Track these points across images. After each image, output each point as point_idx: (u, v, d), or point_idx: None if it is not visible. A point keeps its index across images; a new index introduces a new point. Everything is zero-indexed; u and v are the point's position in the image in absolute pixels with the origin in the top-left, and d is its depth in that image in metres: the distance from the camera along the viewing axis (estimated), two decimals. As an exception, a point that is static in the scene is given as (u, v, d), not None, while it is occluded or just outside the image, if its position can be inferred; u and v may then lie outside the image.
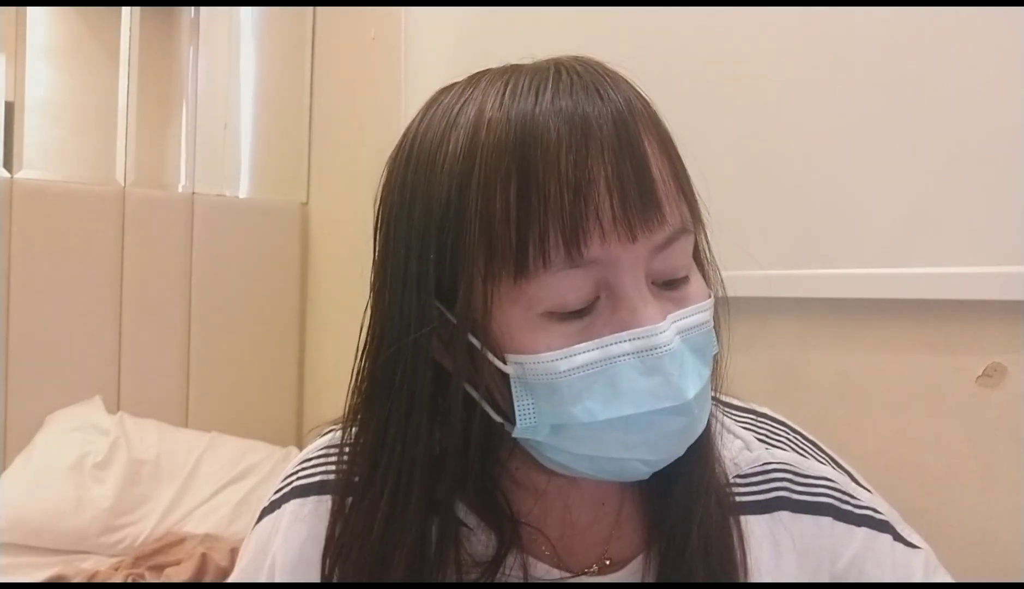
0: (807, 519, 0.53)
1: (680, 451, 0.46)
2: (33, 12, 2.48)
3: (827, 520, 0.52)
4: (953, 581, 0.55)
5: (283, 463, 2.02)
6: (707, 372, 0.46)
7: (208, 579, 1.58)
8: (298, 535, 0.54)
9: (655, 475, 0.48)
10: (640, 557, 0.52)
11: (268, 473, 1.98)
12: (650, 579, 0.51)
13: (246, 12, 2.50)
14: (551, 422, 0.45)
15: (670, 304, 0.45)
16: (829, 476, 0.55)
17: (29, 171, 2.10)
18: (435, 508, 0.48)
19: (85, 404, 1.98)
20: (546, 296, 0.43)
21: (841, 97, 0.86)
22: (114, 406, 2.05)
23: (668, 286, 0.46)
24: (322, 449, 0.57)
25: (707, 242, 0.52)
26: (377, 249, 0.50)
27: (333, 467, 0.54)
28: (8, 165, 2.09)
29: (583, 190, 0.41)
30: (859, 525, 0.52)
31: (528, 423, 0.45)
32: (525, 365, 0.44)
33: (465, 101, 0.46)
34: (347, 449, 0.53)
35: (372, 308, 0.50)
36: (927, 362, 0.79)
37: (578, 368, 0.43)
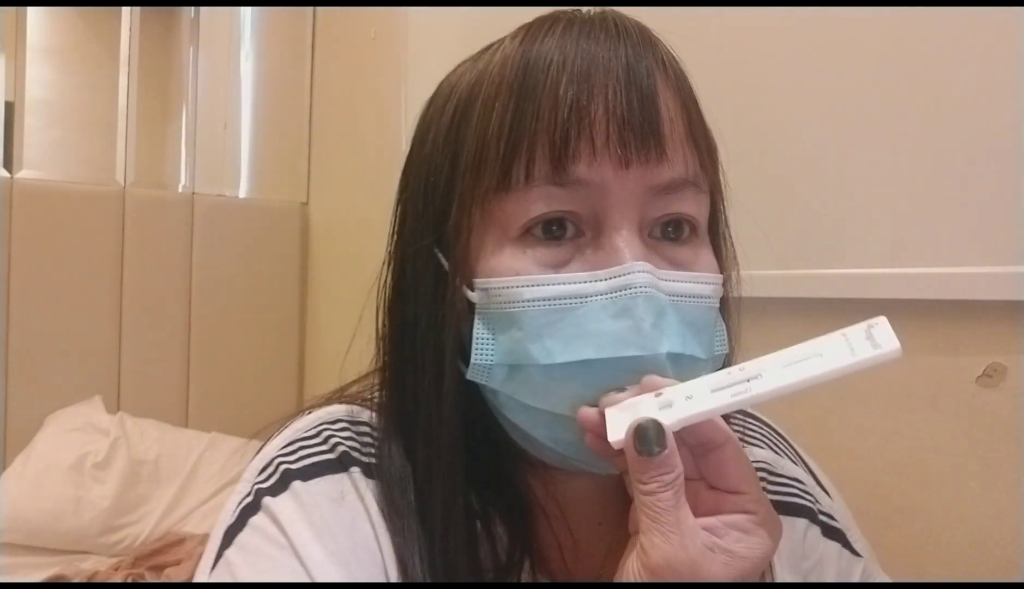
0: (784, 520, 0.52)
1: None
2: (33, 12, 2.48)
3: (803, 522, 0.52)
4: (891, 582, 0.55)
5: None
6: (698, 350, 0.41)
7: (208, 579, 1.58)
8: (332, 514, 0.43)
9: None
10: None
11: (268, 473, 1.97)
12: None
13: (246, 12, 2.50)
14: (508, 361, 0.41)
15: (667, 265, 0.42)
16: (800, 478, 0.55)
17: (29, 171, 2.10)
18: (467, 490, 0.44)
19: (85, 404, 1.98)
20: (524, 214, 0.41)
21: (841, 97, 0.86)
22: (114, 406, 2.04)
23: (667, 240, 0.43)
24: (313, 428, 0.48)
25: (727, 223, 0.49)
26: (397, 191, 0.49)
27: (342, 443, 0.47)
28: (8, 165, 2.09)
29: (578, 107, 0.40)
30: (823, 530, 0.52)
31: (484, 360, 0.42)
32: (490, 291, 0.42)
33: (490, 46, 0.46)
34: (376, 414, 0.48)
35: (391, 257, 0.49)
36: (927, 362, 0.79)
37: (543, 300, 0.40)
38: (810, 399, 0.90)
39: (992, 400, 0.73)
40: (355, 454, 0.46)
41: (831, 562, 0.52)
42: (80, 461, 1.79)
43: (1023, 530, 0.71)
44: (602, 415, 0.39)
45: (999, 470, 0.73)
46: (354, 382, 0.53)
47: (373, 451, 0.47)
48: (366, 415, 0.49)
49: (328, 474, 0.45)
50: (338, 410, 0.50)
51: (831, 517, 0.54)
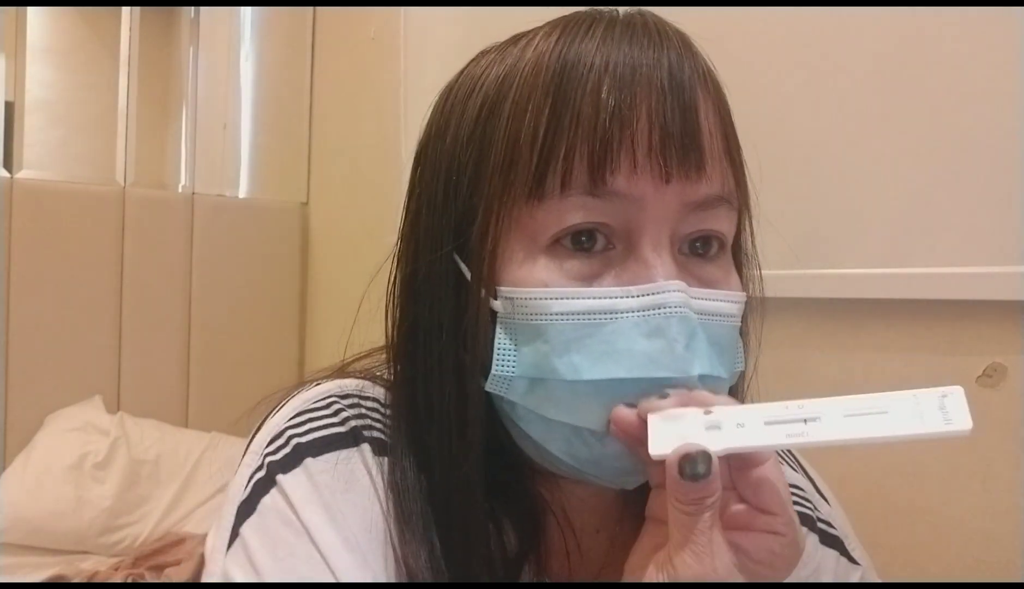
0: None
1: None
2: (33, 12, 2.48)
3: (802, 530, 0.52)
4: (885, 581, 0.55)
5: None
6: (723, 370, 0.41)
7: (208, 579, 1.58)
8: (345, 496, 0.42)
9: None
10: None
11: (268, 473, 1.97)
12: None
13: (246, 12, 2.50)
14: (530, 375, 0.40)
15: (696, 282, 0.41)
16: (800, 484, 0.54)
17: (29, 171, 2.10)
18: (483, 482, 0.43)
19: (85, 404, 1.98)
20: (556, 223, 0.39)
21: (841, 97, 0.86)
22: (114, 406, 2.04)
23: (695, 256, 0.42)
24: (322, 399, 0.47)
25: (752, 240, 0.48)
26: (409, 184, 0.47)
27: (352, 417, 0.46)
28: (8, 165, 2.09)
29: (621, 116, 0.38)
30: (821, 538, 0.52)
31: (505, 370, 0.40)
32: (515, 301, 0.40)
33: (518, 40, 0.44)
34: (388, 400, 0.47)
35: (402, 252, 0.46)
36: (927, 362, 0.79)
37: (572, 314, 0.39)
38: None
39: (992, 400, 0.73)
40: (366, 431, 0.45)
41: (828, 569, 0.51)
42: (80, 461, 1.79)
43: (1023, 530, 0.71)
44: (642, 420, 0.38)
45: (999, 470, 0.73)
46: (361, 356, 0.52)
47: (382, 426, 0.46)
48: (376, 391, 0.48)
49: (339, 449, 0.44)
50: (348, 384, 0.48)
51: (829, 524, 0.53)
